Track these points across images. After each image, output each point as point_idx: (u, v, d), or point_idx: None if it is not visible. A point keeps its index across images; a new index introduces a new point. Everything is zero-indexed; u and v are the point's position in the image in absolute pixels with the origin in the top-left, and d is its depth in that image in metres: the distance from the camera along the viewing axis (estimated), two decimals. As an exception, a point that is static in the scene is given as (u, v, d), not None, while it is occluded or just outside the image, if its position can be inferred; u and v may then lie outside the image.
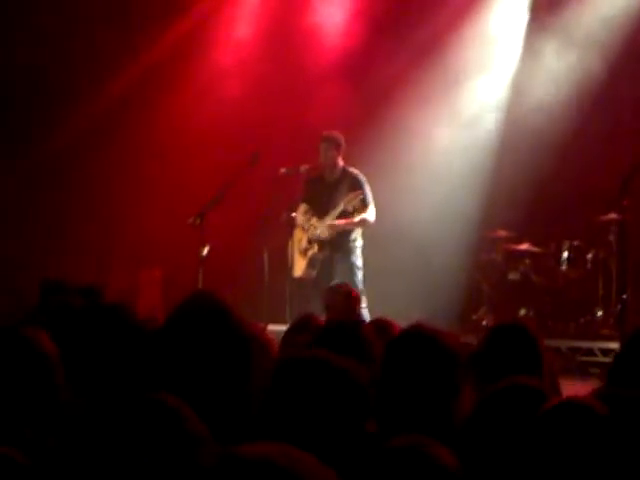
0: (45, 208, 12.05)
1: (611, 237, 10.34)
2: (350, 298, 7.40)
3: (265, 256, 9.87)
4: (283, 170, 10.00)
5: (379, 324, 4.90)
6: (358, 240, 9.87)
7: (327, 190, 9.90)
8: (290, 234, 9.98)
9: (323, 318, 8.47)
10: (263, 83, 12.14)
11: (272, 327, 8.75)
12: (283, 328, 6.35)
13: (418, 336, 3.37)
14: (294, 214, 9.93)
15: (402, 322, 4.95)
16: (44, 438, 2.80)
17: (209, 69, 12.34)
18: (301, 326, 5.37)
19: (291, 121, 11.82)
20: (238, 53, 12.39)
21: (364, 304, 9.46)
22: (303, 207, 10.01)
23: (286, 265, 10.11)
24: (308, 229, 9.92)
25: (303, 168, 9.92)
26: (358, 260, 9.83)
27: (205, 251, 9.05)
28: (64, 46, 11.92)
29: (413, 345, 3.34)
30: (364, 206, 9.73)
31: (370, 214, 9.78)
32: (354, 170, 9.92)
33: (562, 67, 11.53)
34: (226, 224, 10.52)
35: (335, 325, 4.16)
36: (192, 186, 11.09)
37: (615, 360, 4.09)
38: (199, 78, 12.28)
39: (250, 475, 1.61)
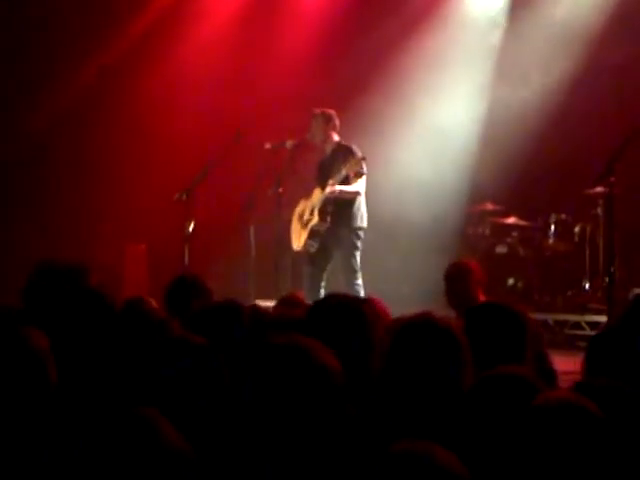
0: (30, 188, 11.98)
1: (598, 210, 10.32)
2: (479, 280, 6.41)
3: (251, 231, 9.75)
4: (268, 145, 9.85)
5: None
6: (359, 219, 9.53)
7: (326, 161, 9.71)
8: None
9: (309, 295, 8.40)
10: (248, 57, 12.07)
11: (260, 302, 8.73)
12: (271, 304, 6.33)
13: (428, 327, 3.33)
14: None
15: (394, 299, 4.95)
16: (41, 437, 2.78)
17: (191, 46, 12.24)
18: (288, 303, 5.35)
19: (277, 95, 11.74)
20: (220, 27, 12.29)
21: (359, 281, 9.44)
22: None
23: (273, 241, 10.03)
24: (311, 199, 9.71)
25: (289, 143, 9.78)
26: (358, 242, 9.50)
27: (191, 227, 9.04)
28: (43, 28, 11.82)
29: (423, 336, 3.30)
30: (360, 175, 9.50)
31: (361, 185, 9.54)
32: (349, 143, 9.68)
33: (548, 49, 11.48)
34: (212, 200, 10.45)
35: (334, 302, 4.08)
36: (178, 162, 11.05)
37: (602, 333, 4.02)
38: (181, 56, 12.22)
39: None
